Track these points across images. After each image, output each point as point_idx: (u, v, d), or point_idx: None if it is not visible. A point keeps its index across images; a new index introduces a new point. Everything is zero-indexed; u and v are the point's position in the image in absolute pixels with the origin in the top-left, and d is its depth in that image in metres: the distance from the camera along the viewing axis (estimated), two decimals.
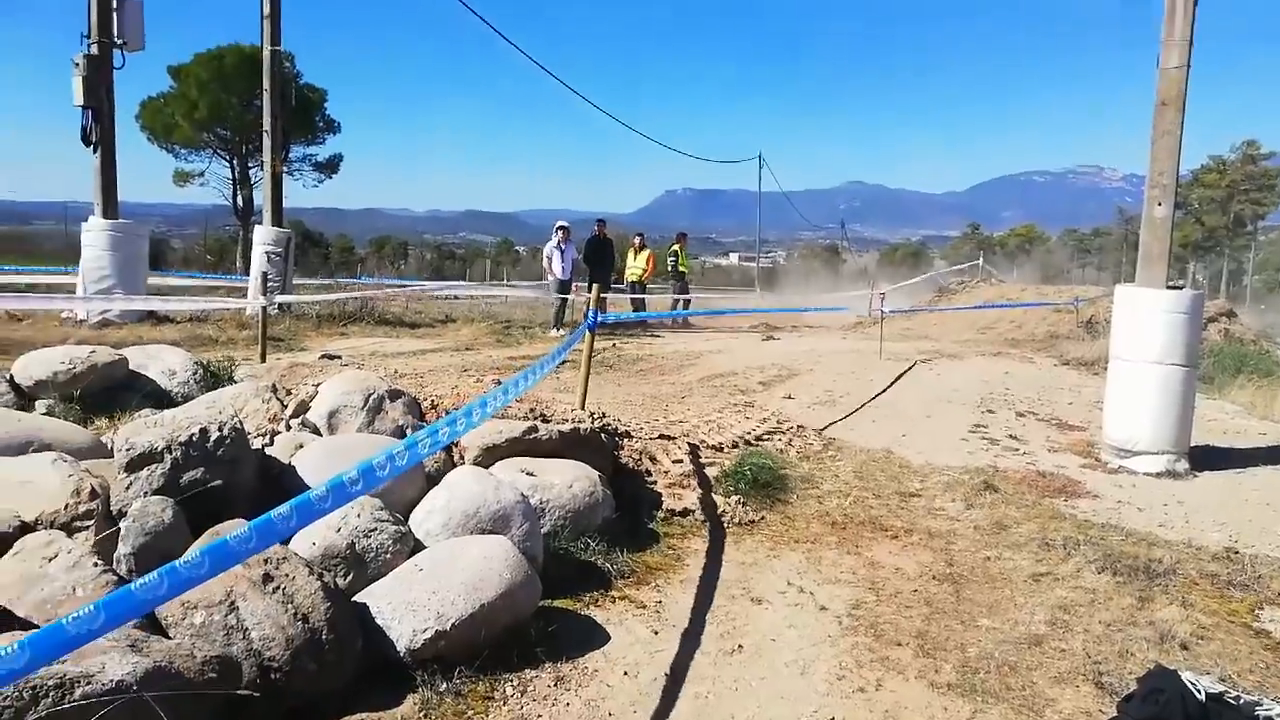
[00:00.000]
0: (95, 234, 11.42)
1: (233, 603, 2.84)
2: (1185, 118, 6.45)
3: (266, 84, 13.96)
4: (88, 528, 3.28)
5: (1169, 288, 6.52)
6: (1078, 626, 3.78)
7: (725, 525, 4.92)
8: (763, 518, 5.08)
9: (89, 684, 2.28)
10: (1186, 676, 2.80)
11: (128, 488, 3.42)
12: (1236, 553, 4.73)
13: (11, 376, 5.55)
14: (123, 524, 3.22)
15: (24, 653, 1.81)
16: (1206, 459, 6.65)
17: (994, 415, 8.34)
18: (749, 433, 6.65)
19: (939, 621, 3.83)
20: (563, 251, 14.91)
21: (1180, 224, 49.35)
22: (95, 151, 11.58)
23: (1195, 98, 6.51)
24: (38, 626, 2.70)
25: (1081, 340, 14.51)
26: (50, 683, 2.24)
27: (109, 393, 5.71)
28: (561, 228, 15.18)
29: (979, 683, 3.29)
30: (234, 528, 3.03)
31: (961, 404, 8.85)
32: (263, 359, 8.12)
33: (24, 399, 5.47)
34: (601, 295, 6.80)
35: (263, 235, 13.82)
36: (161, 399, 5.83)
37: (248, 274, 15.96)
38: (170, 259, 37.62)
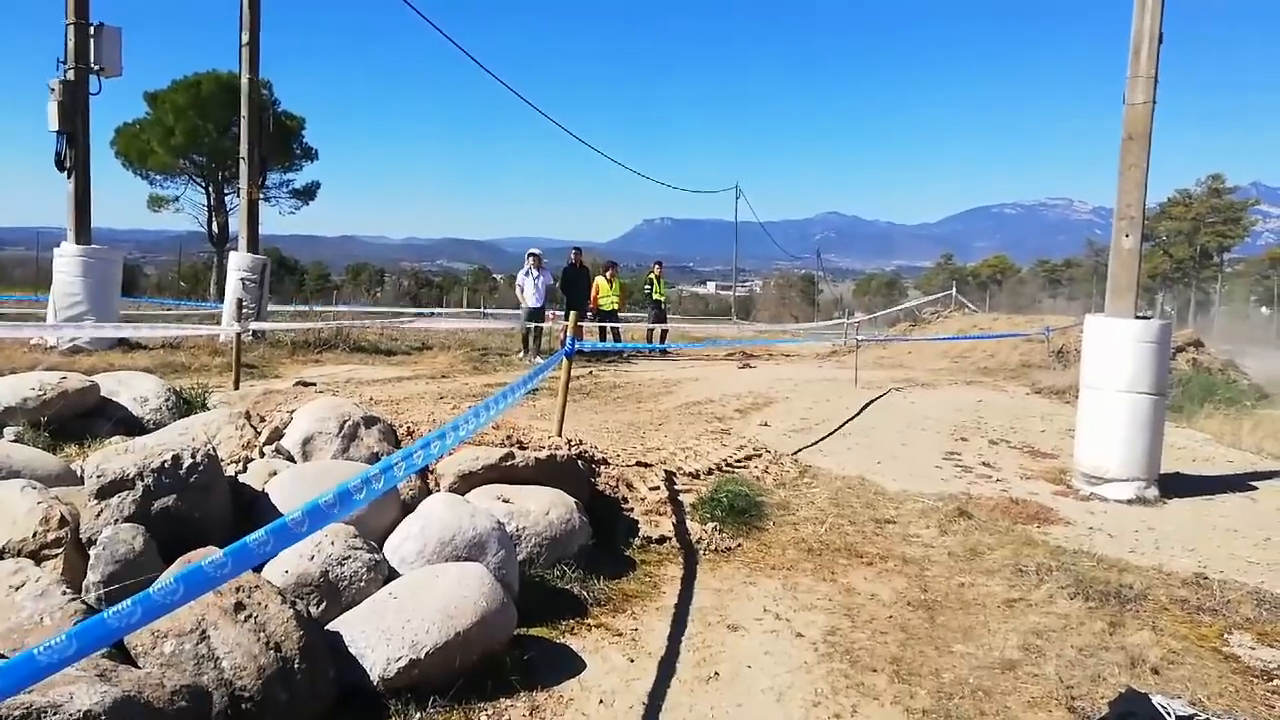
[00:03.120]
0: (67, 259, 11.31)
1: (204, 631, 2.80)
2: (1151, 152, 6.60)
3: (244, 111, 13.94)
4: (56, 555, 3.24)
5: (1138, 317, 6.63)
6: (1051, 652, 3.81)
7: (702, 552, 4.92)
8: (739, 544, 5.09)
9: (56, 714, 2.24)
10: (1158, 700, 2.84)
11: (98, 515, 3.38)
12: (1206, 578, 4.79)
13: None
14: (92, 552, 3.18)
15: None
16: (1176, 486, 6.74)
17: (967, 443, 8.42)
18: (725, 460, 6.67)
19: (914, 647, 3.84)
20: (534, 279, 14.96)
21: (1148, 255, 50.20)
22: (69, 177, 11.50)
23: (1160, 132, 6.67)
24: (5, 657, 2.65)
25: (1053, 369, 14.69)
26: (17, 713, 2.20)
27: (80, 420, 5.65)
28: (533, 255, 15.27)
29: (954, 708, 3.30)
30: (207, 555, 3.00)
31: (935, 431, 8.92)
32: (236, 386, 8.05)
33: None
34: (579, 324, 6.82)
35: (238, 262, 13.74)
36: (133, 426, 5.77)
37: (222, 300, 15.85)
38: (143, 285, 37.28)
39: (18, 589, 2.87)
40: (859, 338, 15.19)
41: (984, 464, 7.55)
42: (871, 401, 10.73)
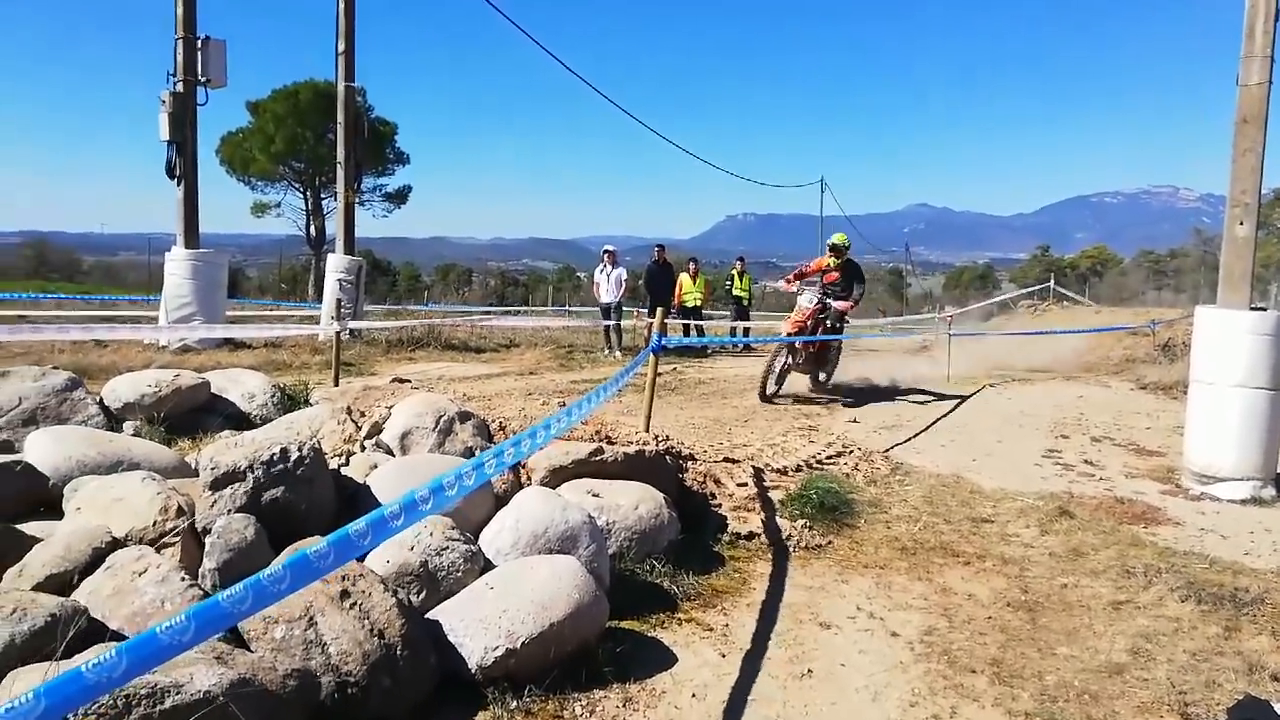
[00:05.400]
0: (177, 263, 11.89)
1: (311, 618, 2.91)
2: (1267, 134, 6.26)
3: (341, 118, 14.41)
4: (175, 544, 3.40)
5: (1252, 309, 6.31)
6: (1161, 656, 3.66)
7: (791, 549, 4.88)
8: (830, 542, 5.03)
9: (179, 693, 2.36)
10: (1279, 708, 2.70)
11: (212, 506, 3.54)
12: None
13: (101, 399, 5.80)
14: (207, 540, 3.34)
15: (121, 660, 1.87)
16: None
17: (1068, 440, 8.14)
18: (814, 456, 6.60)
19: (1015, 649, 3.74)
20: (609, 275, 15.07)
21: (1262, 244, 47.52)
22: (179, 184, 12.08)
23: (1277, 114, 6.32)
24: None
25: (1159, 364, 14.05)
26: (143, 691, 2.33)
27: (191, 415, 5.92)
28: (607, 251, 15.40)
29: (1058, 711, 3.20)
30: (314, 544, 3.12)
31: (1034, 429, 8.65)
32: (336, 382, 8.33)
33: (112, 420, 5.71)
34: (664, 320, 6.84)
35: (335, 263, 14.21)
36: (241, 421, 6.03)
37: (320, 301, 16.41)
38: (246, 287, 38.84)
39: (140, 574, 3.03)
40: (951, 332, 14.80)
41: (1086, 462, 7.28)
42: (965, 398, 10.47)
